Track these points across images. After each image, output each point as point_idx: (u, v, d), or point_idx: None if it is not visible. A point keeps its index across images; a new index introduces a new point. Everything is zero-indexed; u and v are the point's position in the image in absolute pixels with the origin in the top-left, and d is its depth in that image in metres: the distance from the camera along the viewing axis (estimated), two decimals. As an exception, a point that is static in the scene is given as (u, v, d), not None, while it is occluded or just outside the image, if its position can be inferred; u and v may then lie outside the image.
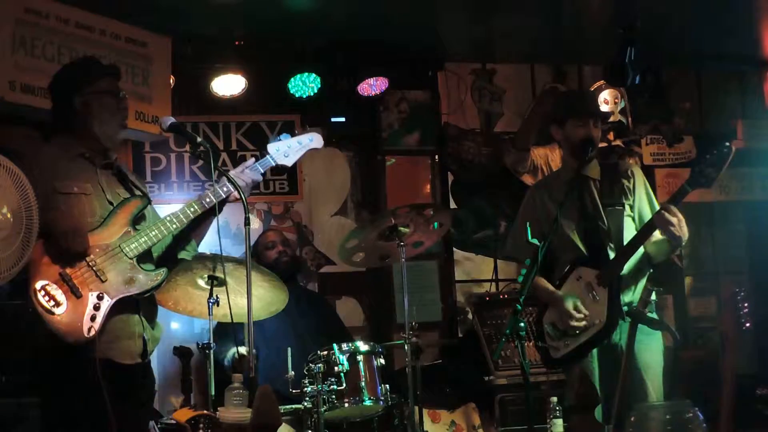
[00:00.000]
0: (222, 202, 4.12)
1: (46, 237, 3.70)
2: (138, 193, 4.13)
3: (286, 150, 4.36)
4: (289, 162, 4.38)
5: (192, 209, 4.03)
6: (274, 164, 4.34)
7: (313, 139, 4.47)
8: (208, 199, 4.06)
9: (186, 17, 6.11)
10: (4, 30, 5.30)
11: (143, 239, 3.92)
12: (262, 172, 4.26)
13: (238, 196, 4.05)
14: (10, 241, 3.51)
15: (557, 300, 4.69)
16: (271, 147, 4.35)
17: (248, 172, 4.21)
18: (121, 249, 3.87)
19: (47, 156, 3.99)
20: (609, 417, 4.42)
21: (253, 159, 4.29)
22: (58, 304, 3.67)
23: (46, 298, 3.66)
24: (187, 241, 4.23)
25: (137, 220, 4.02)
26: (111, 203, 3.99)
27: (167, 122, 4.19)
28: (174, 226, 4.00)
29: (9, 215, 3.51)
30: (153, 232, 3.95)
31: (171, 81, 6.25)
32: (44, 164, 3.91)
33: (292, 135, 4.44)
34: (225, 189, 4.09)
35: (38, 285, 3.67)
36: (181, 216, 4.01)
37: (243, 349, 5.33)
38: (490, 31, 6.98)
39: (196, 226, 4.17)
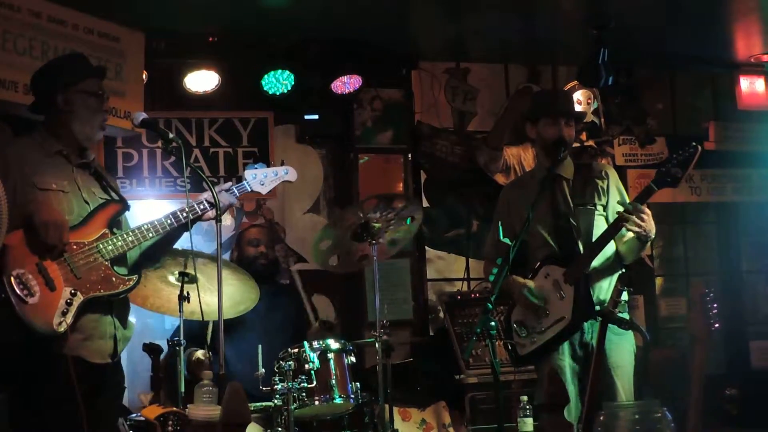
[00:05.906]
0: (195, 219, 4.21)
1: (26, 228, 3.72)
2: (114, 195, 4.17)
3: (262, 179, 4.57)
4: (263, 190, 4.60)
5: (169, 221, 4.12)
6: (249, 190, 4.52)
7: (288, 172, 4.70)
8: (184, 214, 4.15)
9: (160, 13, 6.07)
10: (-26, 23, 5.26)
11: (120, 243, 3.97)
12: (237, 195, 4.44)
13: (212, 216, 4.18)
14: (-23, 236, 3.50)
15: (521, 296, 4.72)
16: (248, 174, 4.57)
17: (225, 194, 4.35)
18: (98, 249, 3.90)
19: (26, 150, 4.00)
20: (578, 416, 4.45)
21: (230, 183, 4.46)
22: (31, 293, 3.67)
23: (21, 286, 3.66)
24: (157, 252, 4.33)
25: (115, 224, 4.08)
26: (86, 202, 4.02)
27: (139, 118, 4.22)
28: (150, 234, 4.07)
29: (-23, 209, 3.49)
30: (130, 238, 4.01)
31: (144, 76, 6.21)
32: (23, 158, 3.93)
33: (268, 165, 4.72)
34: (201, 207, 4.18)
35: (14, 273, 3.66)
36: (158, 226, 4.09)
37: (200, 353, 5.34)
38: (464, 31, 6.98)
39: (167, 240, 4.27)
